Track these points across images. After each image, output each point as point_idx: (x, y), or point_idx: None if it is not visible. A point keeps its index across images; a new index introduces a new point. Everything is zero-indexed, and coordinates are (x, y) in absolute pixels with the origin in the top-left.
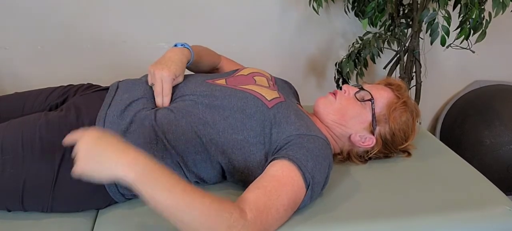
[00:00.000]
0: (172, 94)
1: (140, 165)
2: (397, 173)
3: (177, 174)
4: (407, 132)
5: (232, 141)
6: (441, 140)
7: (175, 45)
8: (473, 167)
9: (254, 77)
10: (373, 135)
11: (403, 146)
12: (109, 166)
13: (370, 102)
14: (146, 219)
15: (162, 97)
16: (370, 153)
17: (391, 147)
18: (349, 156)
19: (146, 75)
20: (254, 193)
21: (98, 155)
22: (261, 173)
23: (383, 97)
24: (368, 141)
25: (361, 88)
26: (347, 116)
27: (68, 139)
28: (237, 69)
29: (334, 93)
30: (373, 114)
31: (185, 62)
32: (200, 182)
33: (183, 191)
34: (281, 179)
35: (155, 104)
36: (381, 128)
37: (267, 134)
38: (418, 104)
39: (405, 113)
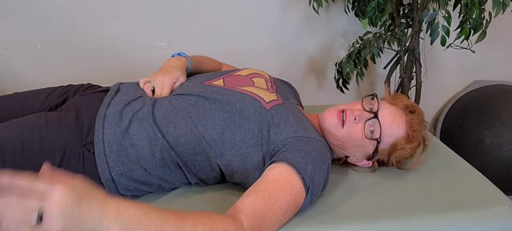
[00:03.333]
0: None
1: (123, 215)
2: (397, 173)
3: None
4: (406, 160)
5: (230, 143)
6: (441, 140)
7: (173, 56)
8: (473, 167)
9: (253, 79)
10: (371, 160)
11: (399, 165)
12: (90, 227)
13: (376, 141)
14: None
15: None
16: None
17: (387, 165)
18: (345, 163)
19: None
20: (252, 198)
21: (75, 214)
22: (259, 175)
23: (392, 136)
24: (364, 162)
25: (375, 116)
26: (349, 144)
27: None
28: (235, 69)
29: (344, 116)
30: (375, 150)
31: (184, 68)
32: (200, 182)
33: (173, 227)
34: (279, 183)
35: (153, 101)
36: (380, 156)
37: (265, 135)
38: (418, 104)
39: (410, 150)
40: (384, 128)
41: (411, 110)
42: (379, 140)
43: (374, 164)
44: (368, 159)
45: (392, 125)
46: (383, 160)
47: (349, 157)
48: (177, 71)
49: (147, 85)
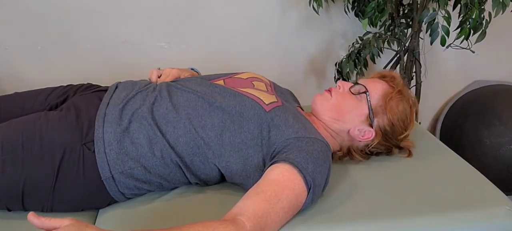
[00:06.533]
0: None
1: None
2: (397, 173)
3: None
4: (406, 121)
5: (229, 144)
6: (441, 140)
7: None
8: (473, 167)
9: (253, 82)
10: (372, 127)
11: (403, 135)
12: None
13: (365, 94)
14: (146, 218)
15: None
16: (371, 146)
17: (391, 137)
18: (349, 151)
19: (145, 80)
20: (253, 199)
21: None
22: (259, 177)
23: (377, 89)
24: (367, 134)
25: (356, 83)
26: (343, 111)
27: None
28: (235, 73)
29: (330, 91)
30: (369, 106)
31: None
32: (200, 183)
33: None
34: (281, 183)
35: (152, 99)
36: (379, 120)
37: (265, 136)
38: (417, 104)
39: (401, 102)
40: (367, 86)
41: (386, 75)
42: (367, 91)
43: (377, 132)
44: (369, 125)
45: (373, 82)
46: (385, 127)
47: (350, 129)
48: (186, 72)
49: (156, 71)
